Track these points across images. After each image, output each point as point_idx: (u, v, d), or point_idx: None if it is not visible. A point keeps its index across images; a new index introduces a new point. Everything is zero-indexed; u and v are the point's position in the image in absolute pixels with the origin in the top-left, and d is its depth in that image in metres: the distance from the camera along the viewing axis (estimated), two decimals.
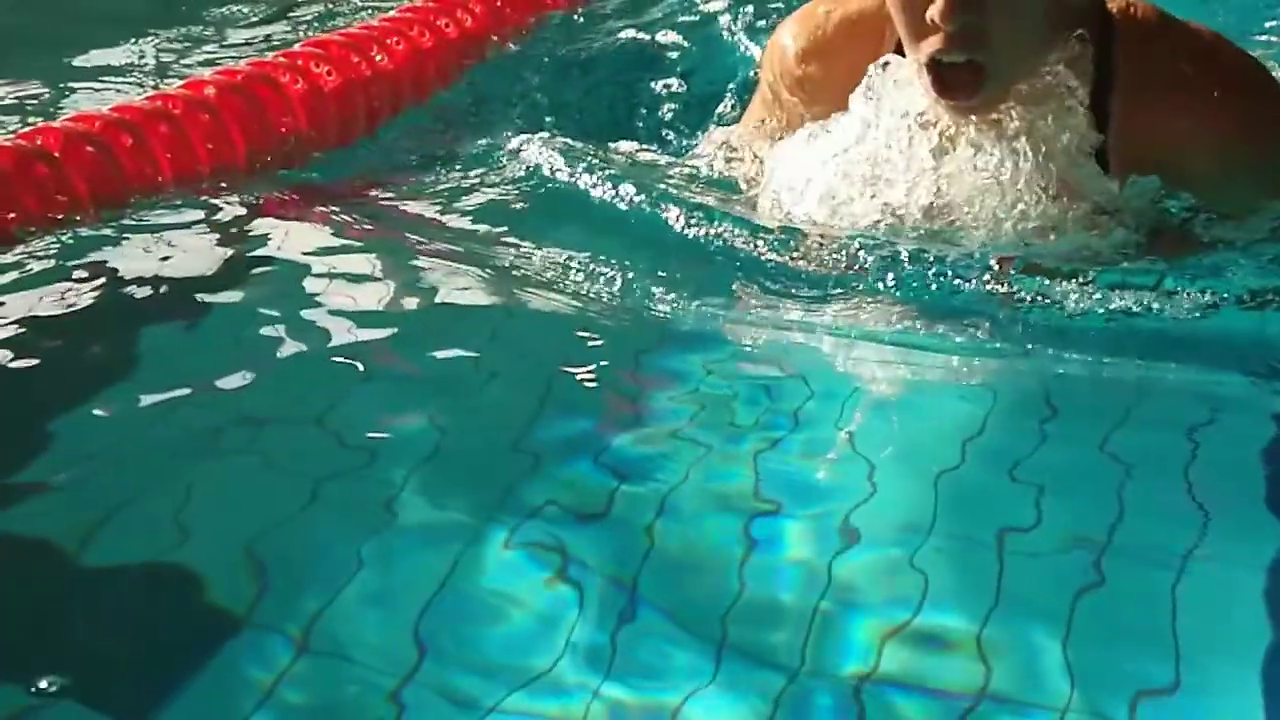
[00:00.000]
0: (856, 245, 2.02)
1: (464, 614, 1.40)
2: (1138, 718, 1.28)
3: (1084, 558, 1.48)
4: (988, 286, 1.96)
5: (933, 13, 1.91)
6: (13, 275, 2.11)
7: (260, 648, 1.35)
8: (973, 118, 2.01)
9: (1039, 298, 1.94)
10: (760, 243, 2.09)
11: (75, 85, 3.11)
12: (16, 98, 3.05)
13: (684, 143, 2.69)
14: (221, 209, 2.38)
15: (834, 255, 2.03)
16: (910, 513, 1.55)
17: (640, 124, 2.75)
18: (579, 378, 1.88)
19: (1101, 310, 1.92)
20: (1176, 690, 1.31)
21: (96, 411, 1.77)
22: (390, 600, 1.42)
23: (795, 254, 2.07)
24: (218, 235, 2.28)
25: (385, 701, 1.29)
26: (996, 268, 1.97)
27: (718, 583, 1.45)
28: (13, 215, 2.27)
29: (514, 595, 1.42)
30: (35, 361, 1.88)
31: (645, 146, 2.59)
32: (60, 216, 2.31)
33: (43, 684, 1.29)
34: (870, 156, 2.06)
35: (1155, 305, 1.92)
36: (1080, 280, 1.94)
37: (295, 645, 1.35)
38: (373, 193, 2.52)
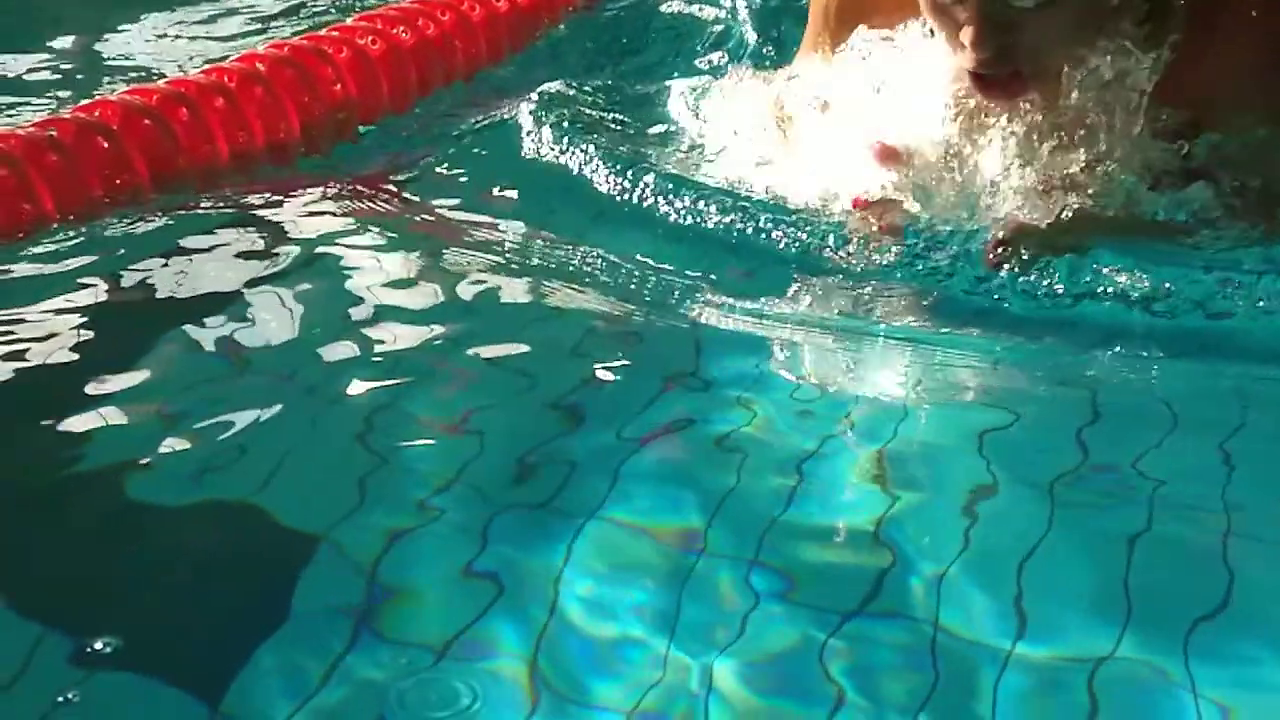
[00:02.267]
0: (898, 240, 2.00)
1: (504, 611, 1.42)
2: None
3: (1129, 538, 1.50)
4: (1033, 281, 1.93)
5: (964, 39, 1.88)
6: (54, 265, 2.15)
7: (313, 637, 1.39)
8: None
9: (1086, 281, 1.91)
10: (804, 238, 2.07)
11: (113, 63, 3.15)
12: (60, 73, 3.09)
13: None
14: (262, 201, 2.39)
15: (877, 249, 2.01)
16: (959, 497, 1.58)
17: (686, 105, 2.74)
18: (621, 377, 1.89)
19: (1162, 303, 1.88)
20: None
21: (127, 411, 1.77)
22: (433, 595, 1.45)
23: (837, 246, 2.05)
24: (259, 229, 2.28)
25: (430, 690, 1.32)
26: (1001, 233, 1.91)
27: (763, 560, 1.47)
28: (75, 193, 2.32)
29: (558, 594, 1.44)
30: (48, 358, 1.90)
31: (689, 125, 2.60)
32: (118, 196, 2.35)
33: (97, 645, 1.35)
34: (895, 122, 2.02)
35: (1212, 299, 1.87)
36: (1139, 272, 1.90)
37: (349, 634, 1.38)
38: (416, 181, 2.53)
